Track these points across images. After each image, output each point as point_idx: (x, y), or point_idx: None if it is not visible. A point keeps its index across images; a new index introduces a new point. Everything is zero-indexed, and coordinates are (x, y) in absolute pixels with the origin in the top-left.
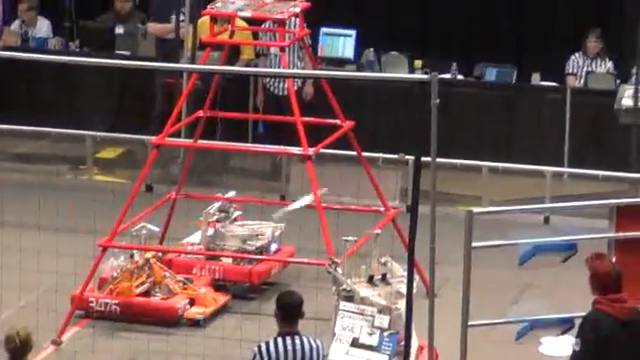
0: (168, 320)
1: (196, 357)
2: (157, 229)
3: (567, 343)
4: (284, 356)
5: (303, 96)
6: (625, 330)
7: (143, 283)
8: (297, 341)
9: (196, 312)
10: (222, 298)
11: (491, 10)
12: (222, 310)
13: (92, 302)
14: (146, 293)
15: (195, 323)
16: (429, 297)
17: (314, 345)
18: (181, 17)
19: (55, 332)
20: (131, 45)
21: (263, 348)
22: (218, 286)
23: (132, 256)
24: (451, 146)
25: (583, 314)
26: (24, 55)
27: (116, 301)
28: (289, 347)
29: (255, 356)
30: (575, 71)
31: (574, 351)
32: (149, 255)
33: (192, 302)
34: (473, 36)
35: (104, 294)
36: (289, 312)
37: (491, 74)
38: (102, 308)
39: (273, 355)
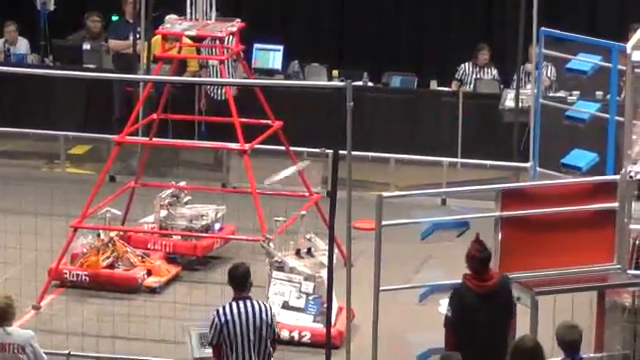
0: (129, 288)
1: (153, 319)
2: (119, 212)
3: None
4: (238, 316)
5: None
6: (484, 302)
7: (108, 257)
8: (248, 303)
9: (153, 281)
10: (174, 269)
11: (396, 28)
12: (174, 279)
13: (66, 274)
14: (111, 266)
15: (152, 290)
16: (347, 267)
17: (263, 307)
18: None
19: (35, 299)
20: (96, 59)
21: (220, 311)
22: (170, 259)
23: (99, 235)
24: (363, 141)
25: None
26: (8, 69)
27: (86, 273)
28: (242, 309)
29: (214, 318)
30: (462, 78)
31: (446, 316)
32: (113, 234)
33: (149, 273)
34: (381, 50)
35: (76, 267)
36: (236, 281)
37: (396, 81)
38: (74, 279)
39: (229, 316)
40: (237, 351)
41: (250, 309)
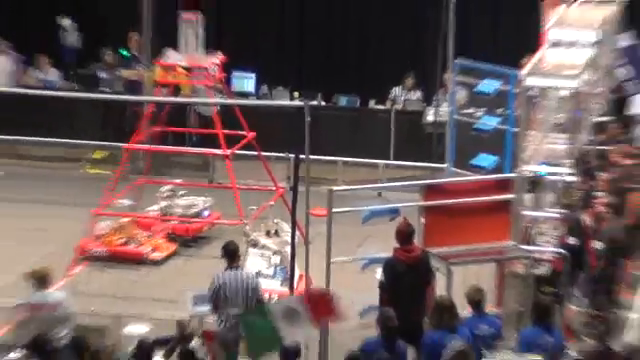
0: (138, 261)
1: (157, 284)
2: (130, 203)
3: None
4: (229, 281)
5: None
6: (411, 270)
7: (122, 237)
8: (238, 272)
9: (156, 255)
10: (172, 246)
11: (343, 59)
12: (173, 254)
13: (90, 250)
14: (124, 244)
15: (155, 262)
16: (305, 244)
17: (249, 275)
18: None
19: (66, 269)
20: (111, 85)
21: (219, 275)
22: (169, 238)
23: (115, 220)
24: (318, 148)
25: None
26: (44, 92)
27: (105, 249)
28: (232, 276)
29: (214, 281)
30: (394, 98)
31: (380, 281)
32: (126, 219)
33: (153, 249)
34: (331, 77)
35: (97, 245)
36: (229, 254)
37: (343, 101)
38: (97, 254)
39: (223, 280)
40: (230, 307)
41: (239, 276)
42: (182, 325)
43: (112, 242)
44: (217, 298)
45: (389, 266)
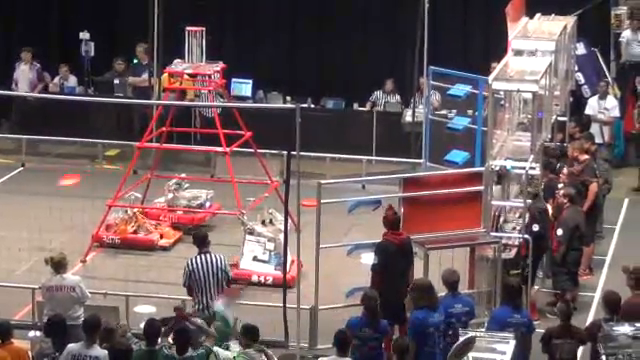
0: (148, 247)
1: (164, 267)
2: (140, 195)
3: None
4: (201, 265)
5: None
6: (399, 250)
7: (133, 226)
8: (208, 256)
9: (164, 242)
10: (178, 234)
11: (329, 66)
12: (178, 241)
13: (104, 238)
14: (134, 232)
15: (163, 248)
16: (297, 232)
17: (219, 257)
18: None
19: (82, 255)
20: (123, 90)
21: (190, 261)
22: (175, 227)
23: (126, 211)
24: (308, 146)
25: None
26: (63, 97)
27: (117, 237)
28: (203, 260)
29: (185, 267)
30: (375, 101)
31: (373, 263)
32: (136, 210)
33: (161, 236)
34: (319, 82)
35: (110, 233)
36: (199, 241)
37: (329, 104)
38: (109, 241)
39: (195, 264)
40: (202, 290)
41: (209, 260)
42: (178, 309)
43: (124, 231)
44: (190, 283)
45: (382, 247)
